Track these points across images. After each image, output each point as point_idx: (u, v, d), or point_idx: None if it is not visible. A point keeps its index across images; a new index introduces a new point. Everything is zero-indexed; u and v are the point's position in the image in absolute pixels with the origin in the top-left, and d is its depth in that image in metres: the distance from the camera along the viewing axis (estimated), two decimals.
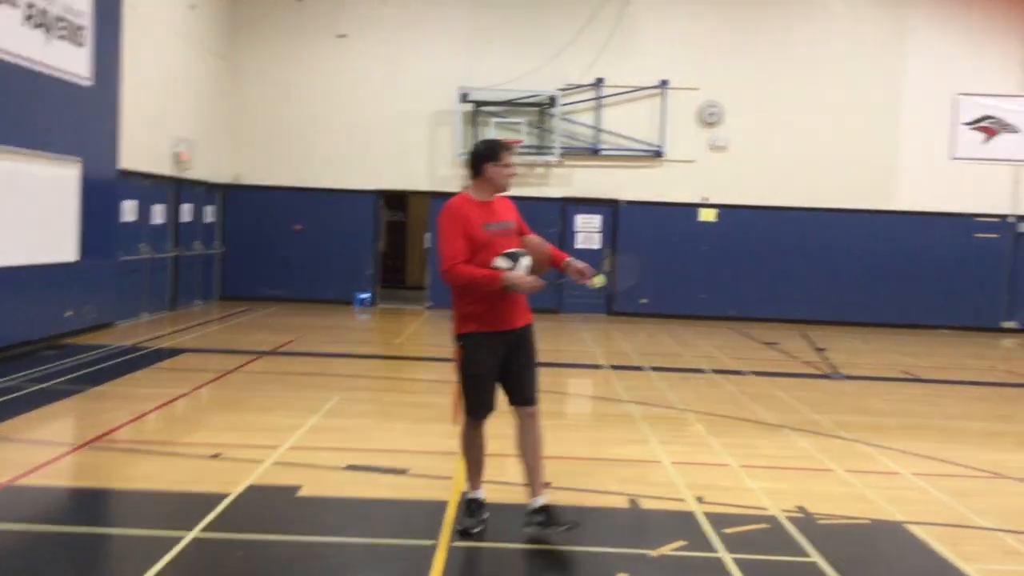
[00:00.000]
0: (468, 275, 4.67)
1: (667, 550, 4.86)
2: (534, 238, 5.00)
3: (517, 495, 5.69)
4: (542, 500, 4.88)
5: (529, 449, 4.93)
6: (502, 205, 4.98)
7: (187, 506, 5.28)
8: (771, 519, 5.43)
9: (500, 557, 4.76)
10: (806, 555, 4.87)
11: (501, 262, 4.72)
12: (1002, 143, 17.24)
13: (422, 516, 5.29)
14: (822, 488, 6.18)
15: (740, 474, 6.44)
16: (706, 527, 5.23)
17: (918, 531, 5.32)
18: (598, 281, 4.92)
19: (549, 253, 4.95)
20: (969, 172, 17.24)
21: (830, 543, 5.05)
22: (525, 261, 4.76)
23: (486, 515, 5.05)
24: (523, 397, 4.93)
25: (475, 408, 4.92)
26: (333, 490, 5.73)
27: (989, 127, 17.26)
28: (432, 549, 4.76)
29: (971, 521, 5.56)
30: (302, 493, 5.60)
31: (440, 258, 4.77)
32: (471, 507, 5.07)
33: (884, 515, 5.62)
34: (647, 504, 5.69)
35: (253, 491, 5.58)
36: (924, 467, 6.84)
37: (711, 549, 4.90)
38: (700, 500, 5.74)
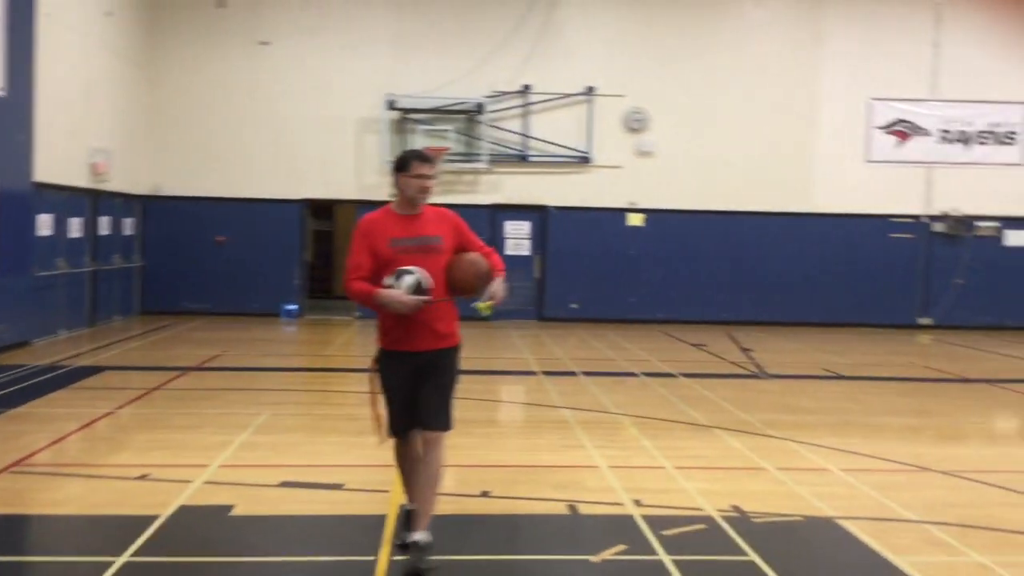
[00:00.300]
0: (357, 291, 4.57)
1: (608, 555, 4.88)
2: (469, 255, 4.70)
3: (457, 506, 5.68)
4: (419, 537, 4.57)
5: (423, 478, 4.64)
6: (430, 219, 4.70)
7: (115, 530, 5.11)
8: (708, 519, 5.51)
9: (441, 570, 4.71)
10: (743, 554, 4.94)
11: (387, 279, 4.54)
12: (914, 146, 17.85)
13: (360, 531, 5.22)
14: (755, 487, 6.29)
15: (675, 476, 6.51)
16: (645, 530, 5.27)
17: (849, 526, 5.45)
18: (484, 308, 4.66)
19: (484, 272, 4.67)
20: (884, 174, 17.81)
21: (766, 541, 5.14)
22: (408, 280, 4.51)
23: None
24: (423, 421, 4.65)
25: (390, 425, 4.77)
26: (268, 508, 5.61)
27: (902, 131, 17.85)
28: (372, 564, 4.70)
29: (898, 514, 5.72)
30: (236, 512, 5.47)
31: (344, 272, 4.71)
32: (410, 519, 4.98)
33: (816, 511, 5.74)
34: (586, 509, 5.71)
35: (184, 512, 5.43)
36: (851, 463, 7.02)
37: (651, 552, 4.94)
38: (638, 503, 5.79)
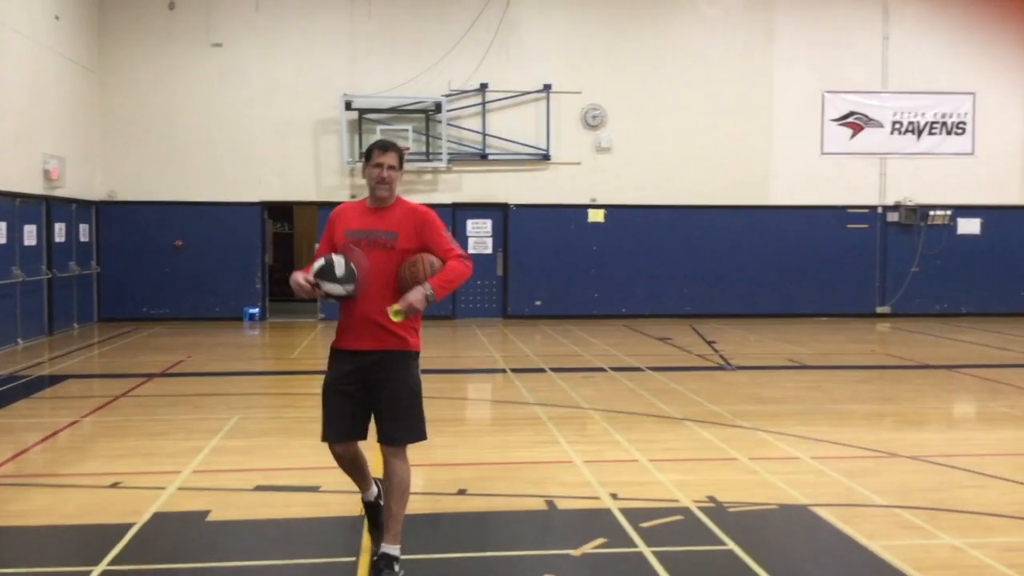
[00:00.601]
0: None
1: (588, 548, 4.91)
2: (417, 257, 4.42)
3: (434, 504, 5.68)
4: (389, 550, 4.44)
5: (389, 492, 4.45)
6: (395, 215, 4.49)
7: (90, 539, 5.04)
8: (684, 511, 5.56)
9: (425, 568, 4.70)
10: (721, 543, 5.00)
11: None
12: (868, 137, 18.16)
13: (340, 533, 5.20)
14: (729, 477, 6.37)
15: (650, 468, 6.57)
16: (624, 523, 5.31)
17: (822, 512, 5.54)
18: (392, 312, 4.35)
19: (420, 277, 4.37)
20: (839, 166, 18.10)
21: (742, 530, 5.21)
22: (317, 264, 4.35)
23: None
24: (382, 434, 4.45)
25: (323, 428, 4.52)
26: (244, 512, 5.56)
27: (855, 123, 18.15)
28: (355, 565, 4.68)
29: (869, 500, 5.83)
30: (212, 518, 5.41)
31: None
32: (369, 512, 4.86)
33: (789, 499, 5.82)
34: (563, 504, 5.73)
35: (159, 519, 5.36)
36: (820, 450, 7.13)
37: (631, 544, 4.98)
38: (615, 497, 5.82)
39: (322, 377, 4.61)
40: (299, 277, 4.38)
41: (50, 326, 14.53)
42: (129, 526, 5.18)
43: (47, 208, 14.46)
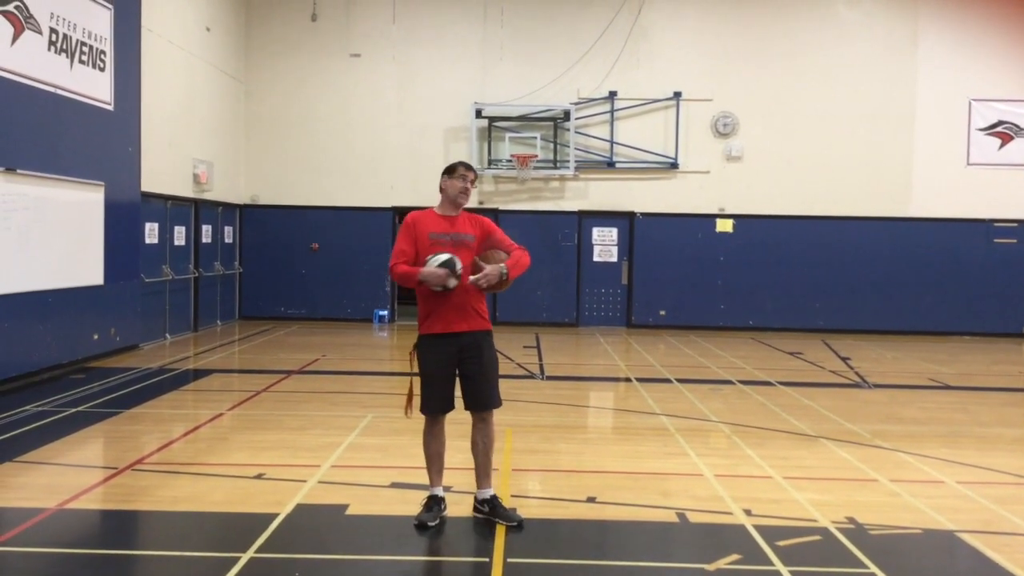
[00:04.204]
0: (400, 273, 5.25)
1: (723, 564, 4.83)
2: (488, 252, 5.42)
3: (565, 511, 5.70)
4: (492, 492, 5.49)
5: (485, 448, 5.44)
6: (465, 221, 5.45)
7: (238, 526, 5.28)
8: (823, 531, 5.40)
9: (556, 572, 4.73)
10: (864, 567, 4.83)
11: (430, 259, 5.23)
12: (1018, 148, 17.23)
13: (472, 533, 5.27)
14: (869, 498, 6.14)
15: (784, 486, 6.41)
16: (759, 540, 5.20)
17: (970, 539, 5.29)
18: (474, 280, 5.25)
19: (504, 274, 5.29)
20: (986, 177, 17.24)
21: (886, 554, 5.02)
22: (440, 257, 5.19)
23: (444, 509, 5.49)
24: (474, 404, 5.40)
25: (426, 403, 5.36)
26: (381, 508, 5.72)
27: (1004, 132, 17.26)
28: (488, 566, 4.74)
29: (1021, 529, 5.52)
30: (351, 512, 5.59)
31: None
32: (429, 503, 5.48)
33: (935, 524, 5.58)
34: (695, 518, 5.66)
35: (302, 510, 5.57)
36: (967, 475, 6.80)
37: (767, 562, 4.87)
38: (748, 513, 5.71)
39: None
40: (435, 273, 5.15)
41: (195, 322, 15.31)
42: (274, 516, 5.41)
43: (196, 210, 15.25)
